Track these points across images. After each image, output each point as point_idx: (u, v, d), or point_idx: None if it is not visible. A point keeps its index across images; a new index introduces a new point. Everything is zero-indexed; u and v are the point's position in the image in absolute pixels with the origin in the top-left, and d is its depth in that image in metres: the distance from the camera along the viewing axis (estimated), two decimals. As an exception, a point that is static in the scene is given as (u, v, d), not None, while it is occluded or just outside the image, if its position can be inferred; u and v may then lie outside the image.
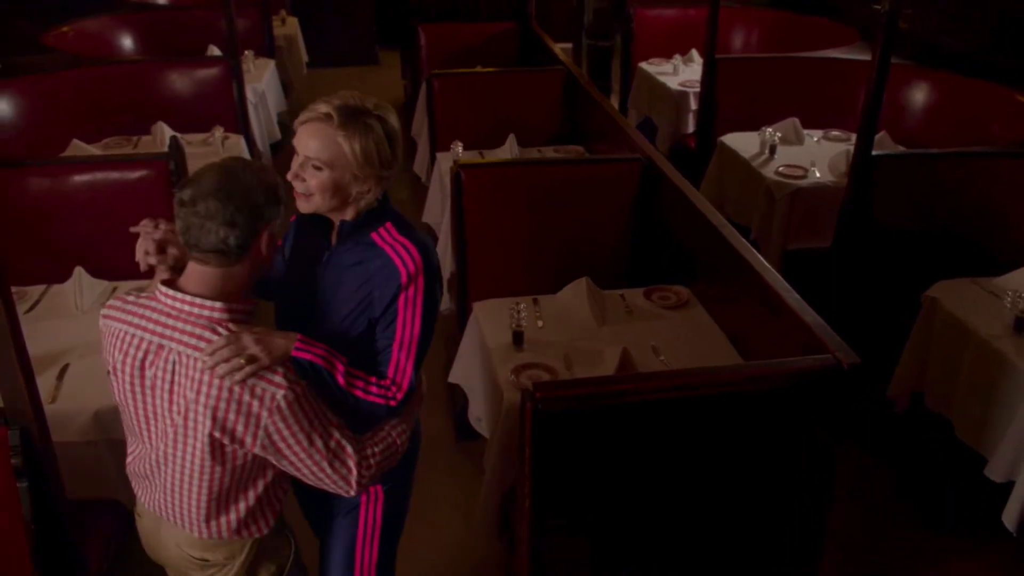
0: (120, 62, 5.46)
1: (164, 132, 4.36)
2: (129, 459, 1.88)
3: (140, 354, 1.70)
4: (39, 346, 2.36)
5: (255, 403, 1.66)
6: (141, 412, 1.75)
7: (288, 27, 6.93)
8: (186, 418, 1.68)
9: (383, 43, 8.68)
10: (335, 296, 1.86)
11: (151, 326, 1.70)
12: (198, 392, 1.65)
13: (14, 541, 1.97)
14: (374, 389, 1.82)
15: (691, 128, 5.32)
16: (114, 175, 3.27)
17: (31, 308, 2.84)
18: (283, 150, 5.73)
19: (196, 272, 1.70)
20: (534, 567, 2.07)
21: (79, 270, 2.92)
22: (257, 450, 1.70)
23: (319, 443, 1.72)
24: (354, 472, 1.77)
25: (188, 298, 1.68)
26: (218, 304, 1.69)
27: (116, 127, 4.57)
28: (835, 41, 5.46)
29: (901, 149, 4.22)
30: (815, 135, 4.54)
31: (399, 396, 1.84)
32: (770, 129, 4.31)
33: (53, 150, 4.15)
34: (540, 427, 1.88)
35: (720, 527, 2.20)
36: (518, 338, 2.69)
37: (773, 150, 4.25)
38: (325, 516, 2.06)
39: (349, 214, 1.84)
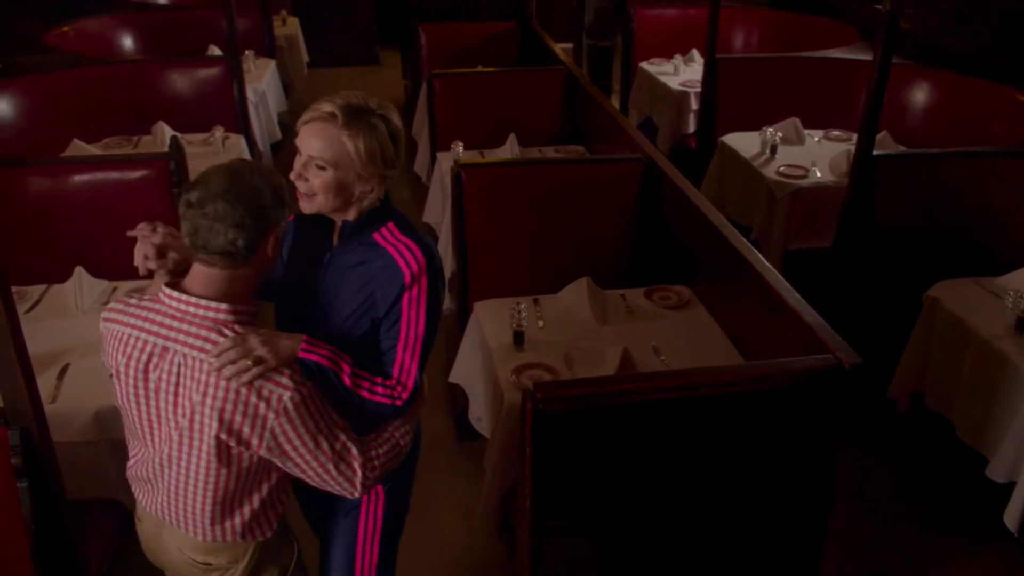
0: (121, 62, 5.46)
1: (164, 132, 4.36)
2: (131, 463, 1.86)
3: (144, 357, 1.69)
4: (39, 346, 2.36)
5: (262, 405, 1.65)
6: (144, 416, 1.74)
7: (289, 27, 6.92)
8: (192, 421, 1.67)
9: (384, 43, 8.68)
10: (336, 297, 1.85)
11: (155, 328, 1.69)
12: (204, 394, 1.65)
13: (14, 541, 1.97)
14: (380, 389, 1.82)
15: (692, 128, 5.32)
16: (114, 175, 3.27)
17: (31, 308, 2.84)
18: (284, 150, 5.73)
19: (201, 274, 1.69)
20: (535, 567, 2.07)
21: (79, 270, 2.91)
22: (263, 452, 1.70)
23: (325, 445, 1.72)
24: (359, 474, 1.77)
25: (193, 300, 1.67)
26: (224, 306, 1.68)
27: (116, 127, 4.57)
28: (836, 41, 5.45)
29: (902, 149, 4.22)
30: (816, 135, 4.54)
31: (404, 396, 1.84)
32: (771, 129, 4.31)
33: (53, 150, 4.15)
34: (541, 427, 1.88)
35: (721, 527, 2.20)
36: (519, 338, 2.69)
37: (774, 150, 4.25)
38: (326, 517, 2.06)
39: (351, 214, 1.83)
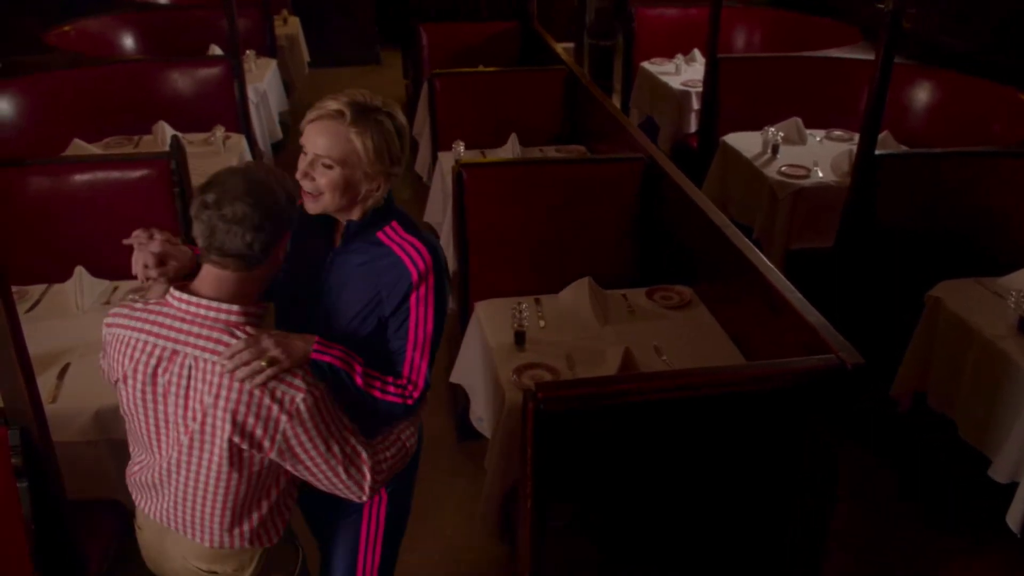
0: (121, 61, 5.45)
1: (165, 131, 4.36)
2: (135, 469, 1.84)
3: (153, 361, 1.67)
4: (40, 346, 2.35)
5: (275, 407, 1.64)
6: (152, 421, 1.72)
7: (290, 27, 6.92)
8: (203, 424, 1.65)
9: (385, 43, 8.68)
10: (341, 297, 1.84)
11: (164, 332, 1.67)
12: (217, 396, 1.63)
13: (14, 541, 1.97)
14: (392, 389, 1.81)
15: (693, 128, 5.32)
16: (115, 174, 3.26)
17: (32, 308, 2.84)
18: (285, 150, 5.73)
19: (212, 276, 1.67)
20: (536, 567, 2.07)
21: (80, 269, 2.91)
22: (274, 455, 1.68)
23: (336, 448, 1.70)
24: (368, 478, 1.76)
25: (204, 302, 1.66)
26: (235, 307, 1.66)
27: (117, 126, 4.57)
28: (838, 41, 5.45)
29: (904, 149, 4.21)
30: (818, 135, 4.54)
31: (416, 395, 1.84)
32: (773, 129, 4.31)
33: (54, 149, 4.14)
34: (542, 427, 1.88)
35: (723, 527, 2.19)
36: (520, 338, 2.69)
37: (776, 150, 4.24)
38: (328, 519, 2.05)
39: (356, 213, 1.82)
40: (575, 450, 2.00)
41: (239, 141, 4.46)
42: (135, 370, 1.68)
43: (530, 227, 3.33)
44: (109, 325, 1.74)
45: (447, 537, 3.01)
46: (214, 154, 4.25)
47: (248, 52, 5.63)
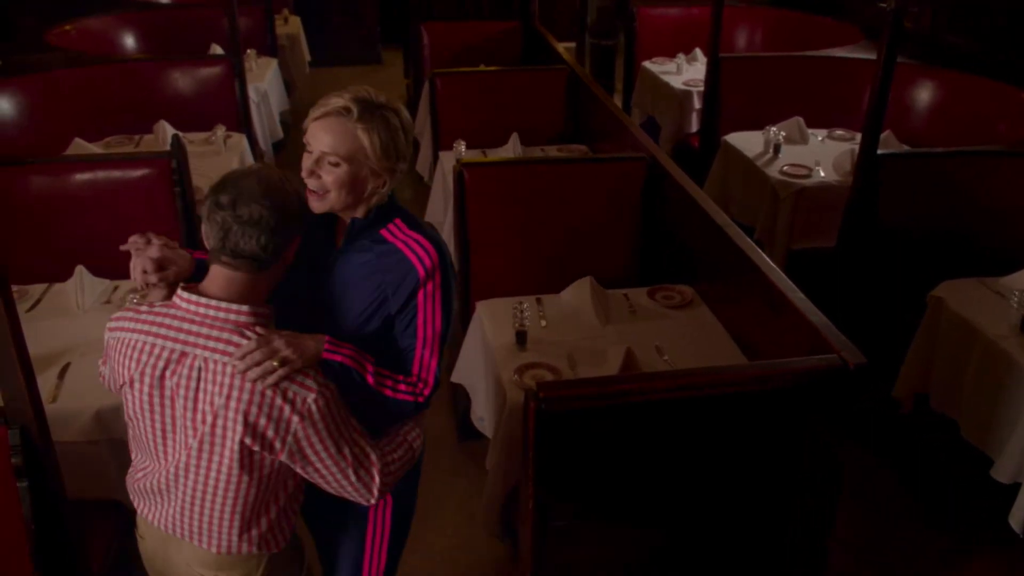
0: (122, 61, 5.45)
1: (166, 131, 4.35)
2: (138, 475, 1.82)
3: (160, 363, 1.65)
4: (40, 345, 2.35)
5: (287, 407, 1.62)
6: (158, 425, 1.70)
7: (291, 26, 6.92)
8: (214, 426, 1.63)
9: (386, 42, 8.68)
10: (346, 295, 1.83)
11: (172, 334, 1.65)
12: (228, 397, 1.61)
13: (14, 541, 1.96)
14: (402, 387, 1.80)
15: (695, 127, 5.31)
16: (116, 174, 3.26)
17: (32, 307, 2.83)
18: (285, 149, 5.73)
19: (222, 277, 1.66)
20: (537, 567, 2.06)
21: (80, 269, 2.91)
22: (284, 457, 1.67)
23: (346, 450, 1.69)
24: (376, 480, 1.74)
25: (213, 303, 1.64)
26: (244, 307, 1.65)
27: (118, 126, 4.56)
28: (840, 40, 5.44)
29: (906, 148, 4.21)
30: (819, 134, 4.53)
31: (427, 392, 1.83)
32: (774, 128, 4.30)
33: (55, 148, 4.15)
34: (543, 427, 1.87)
35: (724, 527, 2.19)
36: (521, 338, 2.68)
37: (777, 149, 4.23)
38: (333, 524, 2.03)
39: (360, 211, 1.81)
40: (576, 450, 2.00)
41: (240, 140, 4.46)
42: (142, 374, 1.67)
43: (531, 227, 3.32)
44: (112, 330, 1.72)
45: (448, 537, 3.01)
46: (215, 153, 4.26)
47: (249, 51, 5.62)
